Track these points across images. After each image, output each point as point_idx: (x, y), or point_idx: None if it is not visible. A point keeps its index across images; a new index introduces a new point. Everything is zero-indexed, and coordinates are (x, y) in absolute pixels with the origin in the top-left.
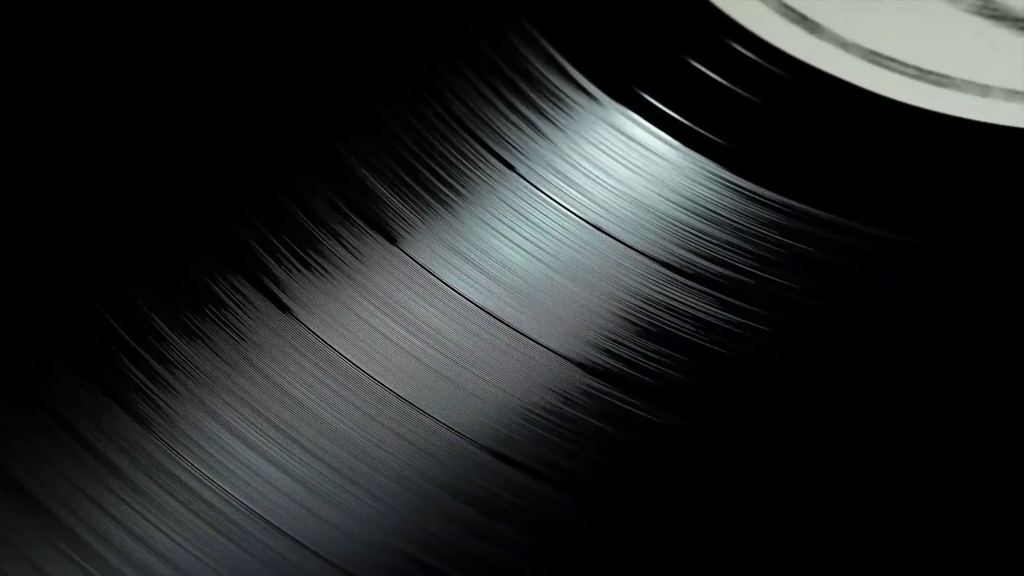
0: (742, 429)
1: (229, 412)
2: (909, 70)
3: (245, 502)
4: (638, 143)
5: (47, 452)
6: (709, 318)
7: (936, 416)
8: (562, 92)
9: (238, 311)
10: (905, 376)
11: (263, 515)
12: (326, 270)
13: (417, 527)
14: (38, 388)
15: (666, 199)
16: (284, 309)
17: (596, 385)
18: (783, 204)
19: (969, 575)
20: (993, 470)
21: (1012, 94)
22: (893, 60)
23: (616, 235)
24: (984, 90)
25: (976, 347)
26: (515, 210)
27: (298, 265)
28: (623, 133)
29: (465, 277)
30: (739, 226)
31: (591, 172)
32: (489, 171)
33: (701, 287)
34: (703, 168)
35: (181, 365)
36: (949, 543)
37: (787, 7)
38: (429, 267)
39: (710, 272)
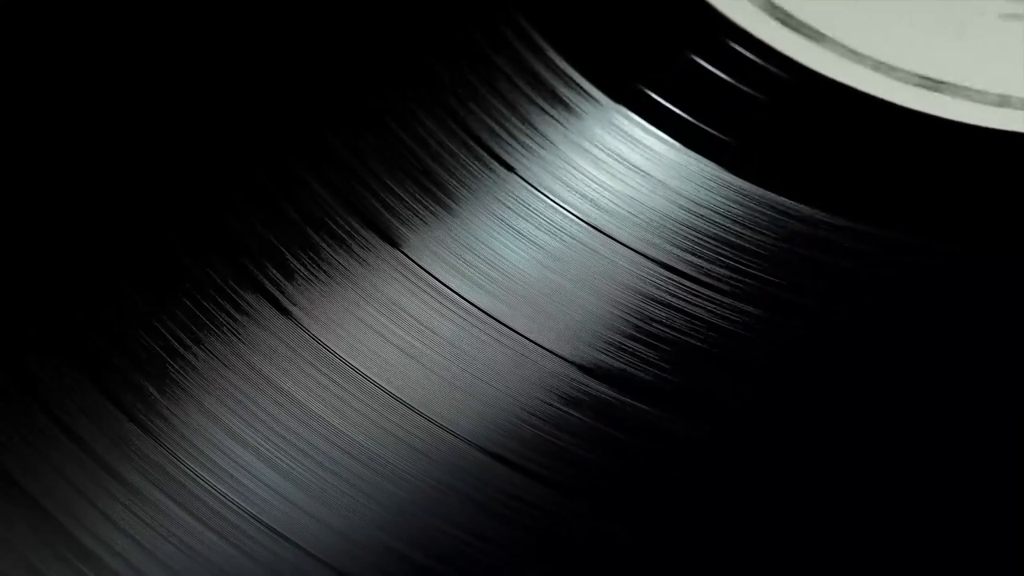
0: (742, 430)
1: (229, 416)
2: (912, 78)
3: (245, 505)
4: (638, 144)
5: (50, 457)
6: (709, 318)
7: (936, 416)
8: (561, 93)
9: (238, 315)
10: (906, 377)
11: (261, 518)
12: (327, 273)
13: (419, 530)
14: (39, 392)
15: (666, 200)
16: (285, 313)
17: (596, 386)
18: (783, 205)
19: (968, 574)
20: (992, 470)
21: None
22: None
23: (616, 236)
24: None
25: (978, 348)
26: (515, 212)
27: (299, 269)
28: (623, 134)
29: (466, 280)
30: (739, 227)
31: (591, 173)
32: (489, 173)
33: (701, 288)
34: (703, 169)
35: (181, 369)
36: (949, 543)
37: (786, 14)
38: (430, 270)
39: (710, 273)
